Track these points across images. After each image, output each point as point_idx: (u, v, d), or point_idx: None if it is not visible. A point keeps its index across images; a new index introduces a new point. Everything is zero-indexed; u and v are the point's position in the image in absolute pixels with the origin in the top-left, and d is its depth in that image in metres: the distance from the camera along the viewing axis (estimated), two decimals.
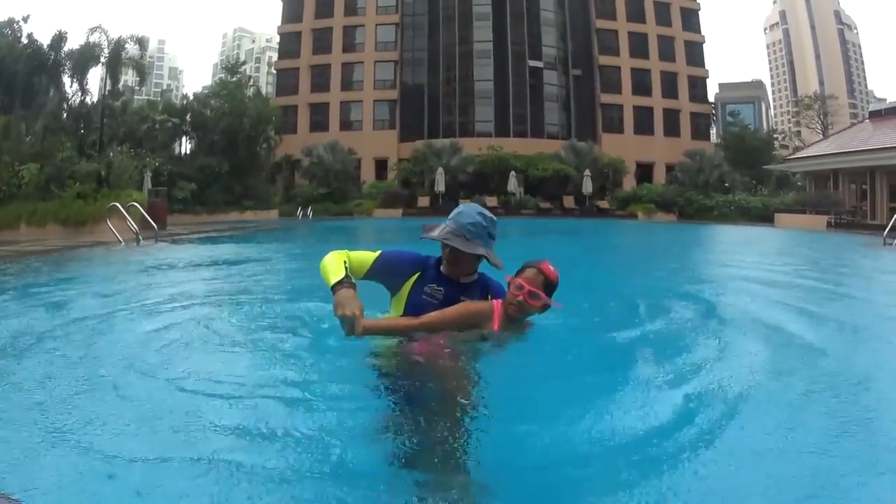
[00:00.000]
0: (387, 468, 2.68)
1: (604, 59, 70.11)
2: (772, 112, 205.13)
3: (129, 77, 47.99)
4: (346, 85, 70.86)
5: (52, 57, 39.13)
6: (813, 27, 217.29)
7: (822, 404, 3.69)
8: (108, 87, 40.95)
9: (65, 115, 39.43)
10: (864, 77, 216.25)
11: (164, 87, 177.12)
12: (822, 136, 74.67)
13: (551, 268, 4.07)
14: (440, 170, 51.78)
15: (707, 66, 74.58)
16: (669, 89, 70.69)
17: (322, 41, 71.69)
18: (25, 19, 40.44)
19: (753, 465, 2.82)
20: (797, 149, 68.59)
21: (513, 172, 53.27)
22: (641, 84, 70.09)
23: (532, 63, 67.70)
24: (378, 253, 4.24)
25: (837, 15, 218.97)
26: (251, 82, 73.97)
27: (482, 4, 68.15)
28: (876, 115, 50.19)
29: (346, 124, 69.25)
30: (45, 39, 39.74)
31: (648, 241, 28.27)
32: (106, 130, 40.66)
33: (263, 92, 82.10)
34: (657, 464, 2.76)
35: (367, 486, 2.54)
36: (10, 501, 2.23)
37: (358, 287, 3.90)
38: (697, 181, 53.29)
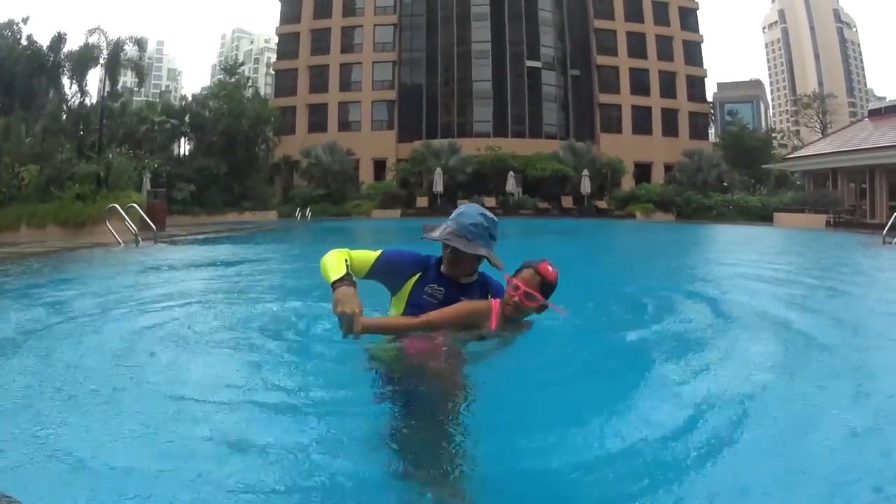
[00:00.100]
0: (383, 471, 2.67)
1: (602, 59, 70.18)
2: (770, 111, 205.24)
3: (127, 78, 47.92)
4: (345, 86, 70.86)
5: (52, 58, 39.04)
6: (812, 26, 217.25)
7: (829, 406, 3.67)
8: (107, 89, 40.88)
9: (64, 116, 39.30)
10: (864, 76, 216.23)
11: (163, 89, 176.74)
12: (821, 135, 74.61)
13: (550, 268, 4.06)
14: (438, 170, 51.79)
15: (705, 66, 74.63)
16: (668, 89, 70.74)
17: (320, 42, 71.71)
18: (25, 21, 40.38)
19: (756, 466, 2.83)
20: (796, 148, 68.58)
21: (511, 172, 53.32)
22: (640, 84, 70.14)
23: (530, 63, 67.71)
24: (379, 252, 4.23)
25: (836, 13, 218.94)
26: (250, 83, 74.05)
27: (480, 5, 68.14)
28: (875, 114, 50.14)
29: (344, 125, 69.27)
30: (44, 41, 39.72)
31: (647, 240, 28.26)
32: (105, 132, 40.54)
33: (262, 93, 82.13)
34: (659, 468, 2.75)
35: (363, 488, 2.54)
36: (10, 502, 2.24)
37: (357, 286, 3.86)
38: (696, 181, 53.30)
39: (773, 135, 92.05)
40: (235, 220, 42.36)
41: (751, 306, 7.44)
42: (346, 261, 3.97)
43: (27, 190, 25.90)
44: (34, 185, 25.97)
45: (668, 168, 61.89)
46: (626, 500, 2.52)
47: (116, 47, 39.18)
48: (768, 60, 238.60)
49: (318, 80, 71.10)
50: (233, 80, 67.04)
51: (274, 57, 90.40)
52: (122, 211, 19.91)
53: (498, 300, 4.11)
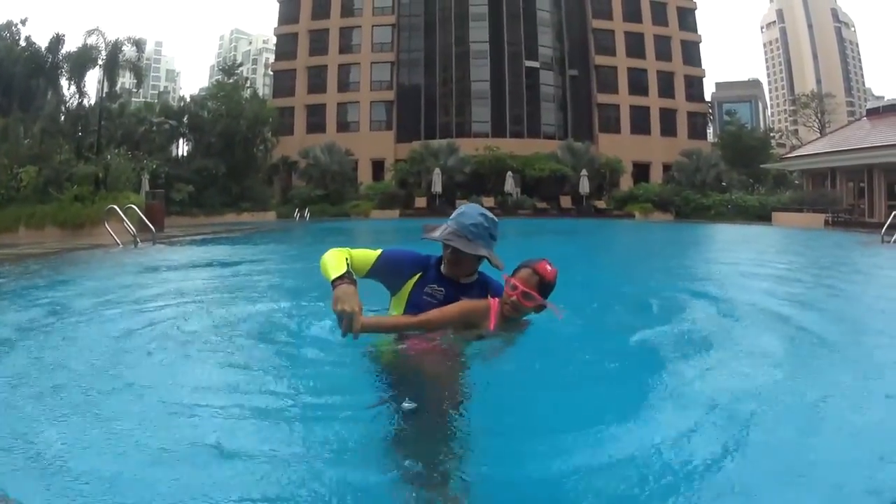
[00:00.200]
0: (381, 475, 2.64)
1: (600, 59, 70.28)
2: (769, 111, 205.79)
3: (126, 79, 47.85)
4: (343, 86, 70.91)
5: (50, 59, 39.14)
6: (810, 25, 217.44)
7: (830, 407, 3.64)
8: (105, 90, 40.95)
9: (62, 117, 39.38)
10: (862, 75, 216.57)
11: (162, 89, 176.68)
12: (819, 135, 74.69)
13: (549, 267, 4.06)
14: (437, 170, 51.68)
15: (703, 66, 74.72)
16: (666, 89, 70.81)
17: (318, 42, 71.74)
18: (23, 22, 40.45)
19: (758, 467, 2.82)
20: (794, 147, 68.57)
21: (509, 173, 53.25)
22: (638, 84, 70.21)
23: (528, 63, 67.71)
24: (380, 251, 4.22)
25: (835, 13, 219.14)
26: (248, 84, 73.90)
27: (478, 5, 68.13)
28: (873, 113, 50.17)
29: (342, 125, 69.33)
30: (43, 42, 39.80)
31: (646, 240, 28.23)
32: (103, 133, 40.53)
33: (260, 94, 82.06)
34: (662, 469, 2.72)
35: (361, 491, 2.52)
36: (9, 502, 2.24)
37: (357, 284, 3.83)
38: (694, 180, 53.24)
39: (772, 134, 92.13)
40: (234, 221, 42.28)
41: (751, 306, 7.44)
42: (347, 259, 3.94)
43: (25, 191, 25.90)
44: (32, 186, 25.97)
45: (666, 168, 61.84)
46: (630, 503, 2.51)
47: (115, 48, 39.26)
48: (766, 60, 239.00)
49: (317, 80, 71.13)
50: (231, 80, 67.00)
51: (272, 58, 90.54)
52: (120, 212, 19.86)
53: (496, 299, 4.11)
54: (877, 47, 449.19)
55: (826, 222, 38.95)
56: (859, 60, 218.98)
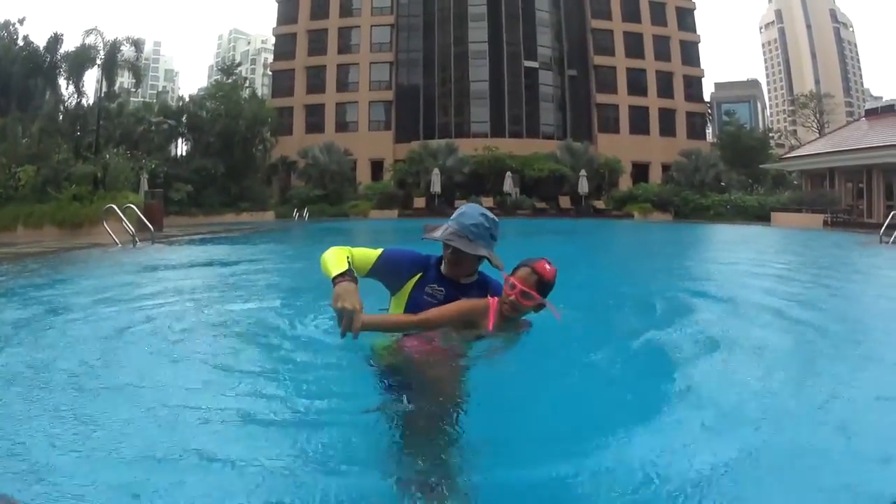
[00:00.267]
0: (378, 477, 2.64)
1: (599, 59, 70.26)
2: (767, 111, 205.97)
3: (124, 79, 47.73)
4: (342, 86, 70.85)
5: (49, 59, 39.02)
6: (809, 26, 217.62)
7: (836, 410, 3.64)
8: (103, 89, 40.85)
9: (61, 117, 39.26)
10: (860, 75, 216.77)
11: (160, 89, 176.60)
12: (818, 135, 74.73)
13: (547, 266, 4.04)
14: (436, 171, 51.60)
15: (702, 66, 74.67)
16: (665, 89, 70.81)
17: (317, 42, 71.70)
18: (21, 21, 40.33)
19: (760, 468, 2.81)
20: (793, 148, 68.57)
21: (509, 173, 53.19)
22: (637, 84, 70.22)
23: (527, 63, 67.69)
24: (380, 251, 4.21)
25: (833, 13, 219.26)
26: (247, 84, 73.84)
27: (477, 5, 68.10)
28: (872, 114, 50.22)
29: (341, 125, 69.28)
30: (41, 41, 39.72)
31: (645, 240, 28.26)
32: (102, 132, 40.53)
33: (259, 93, 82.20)
34: (663, 471, 2.71)
35: (358, 493, 2.51)
36: (10, 502, 2.23)
37: (358, 283, 3.79)
38: (693, 181, 53.20)
39: (771, 134, 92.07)
40: (233, 221, 42.27)
41: (751, 307, 7.45)
42: (348, 258, 3.92)
43: (24, 190, 25.94)
44: (31, 185, 26.00)
45: (665, 168, 61.77)
46: None
47: (113, 48, 39.17)
48: (765, 60, 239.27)
49: (315, 80, 71.11)
50: (230, 80, 66.88)
51: (271, 58, 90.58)
52: (119, 212, 19.87)
53: (495, 299, 4.09)
54: (875, 48, 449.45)
55: (825, 222, 38.99)
56: (858, 61, 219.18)
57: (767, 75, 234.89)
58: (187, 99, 60.62)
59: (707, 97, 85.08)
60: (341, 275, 3.72)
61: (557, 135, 66.34)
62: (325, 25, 71.66)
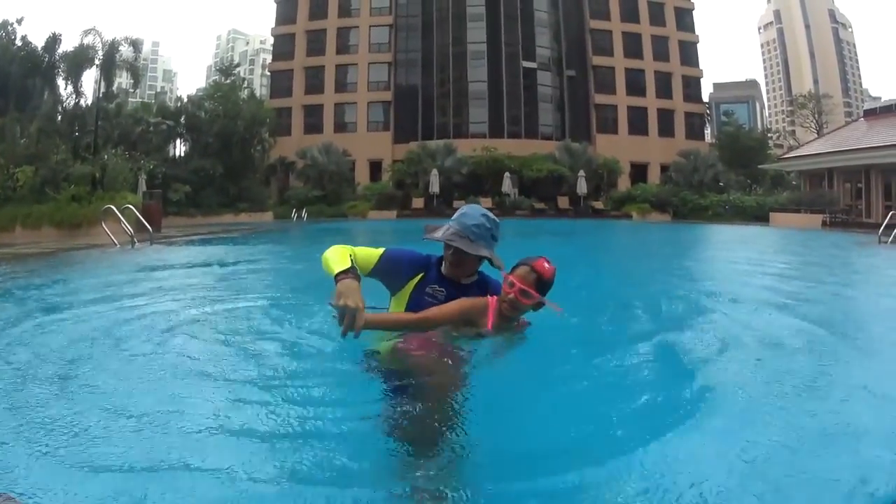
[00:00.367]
0: (376, 479, 2.62)
1: (598, 60, 70.28)
2: (766, 111, 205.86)
3: (123, 79, 47.80)
4: (341, 87, 70.85)
5: (47, 59, 39.03)
6: (807, 26, 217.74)
7: (833, 411, 3.61)
8: (102, 90, 40.90)
9: (59, 117, 39.32)
10: (859, 76, 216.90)
11: (159, 90, 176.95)
12: (816, 136, 74.75)
13: (546, 265, 4.03)
14: (434, 171, 51.66)
15: (701, 66, 74.69)
16: (663, 89, 70.84)
17: (316, 43, 71.68)
18: (20, 21, 40.32)
19: (762, 470, 2.80)
20: (792, 148, 68.60)
21: (507, 173, 53.29)
22: (635, 84, 70.24)
23: (526, 64, 67.71)
24: (382, 251, 4.19)
25: (832, 14, 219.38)
26: (245, 84, 73.87)
27: (476, 5, 68.11)
28: (871, 114, 50.28)
29: (340, 126, 69.27)
30: (39, 41, 39.73)
31: (645, 241, 28.27)
32: (100, 133, 40.64)
33: (257, 94, 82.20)
34: (665, 474, 2.70)
35: (355, 493, 2.49)
36: (10, 501, 2.22)
37: (361, 281, 3.75)
38: (692, 181, 53.29)
39: (769, 135, 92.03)
40: (231, 222, 42.31)
41: (752, 308, 7.44)
42: (351, 256, 3.90)
43: (22, 191, 25.99)
44: (29, 185, 26.04)
45: (664, 168, 61.81)
46: None
47: (111, 48, 39.24)
48: (764, 61, 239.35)
49: (314, 81, 71.11)
50: (228, 81, 66.87)
51: (269, 58, 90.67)
52: (117, 212, 19.87)
53: (495, 297, 4.08)
54: (874, 48, 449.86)
55: (823, 223, 39.04)
56: (856, 61, 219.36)
57: (766, 76, 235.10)
58: (185, 99, 60.71)
59: (706, 97, 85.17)
60: (344, 272, 3.69)
61: (556, 135, 66.40)
62: (323, 26, 71.67)
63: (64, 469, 2.62)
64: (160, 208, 29.17)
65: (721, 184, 54.21)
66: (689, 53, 73.38)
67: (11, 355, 4.61)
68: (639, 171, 65.26)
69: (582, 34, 71.16)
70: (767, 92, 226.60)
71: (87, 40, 38.97)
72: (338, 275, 3.67)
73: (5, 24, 39.65)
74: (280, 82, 73.20)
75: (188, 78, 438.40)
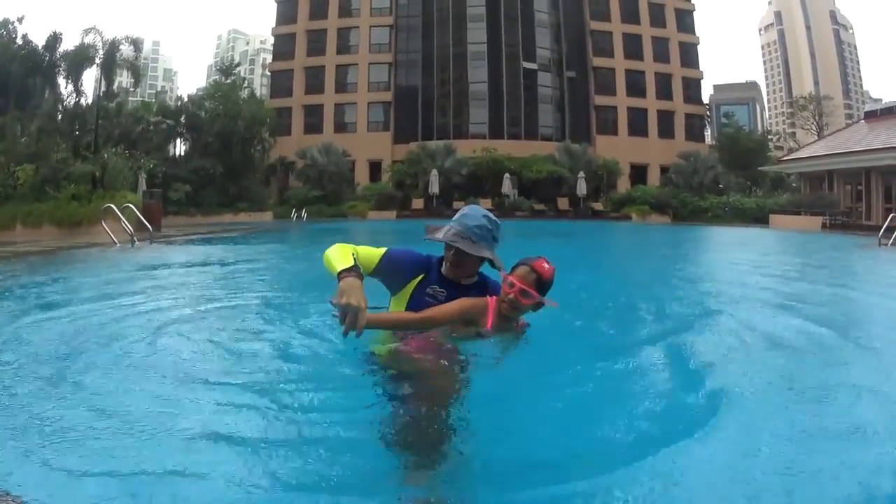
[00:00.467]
0: (375, 480, 2.61)
1: (598, 61, 70.33)
2: (766, 113, 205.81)
3: (123, 78, 47.80)
4: (341, 87, 70.89)
5: (48, 58, 39.00)
6: (808, 28, 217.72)
7: (834, 413, 3.60)
8: (102, 89, 40.88)
9: (60, 116, 39.32)
10: (860, 77, 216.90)
11: (159, 89, 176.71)
12: (816, 137, 74.76)
13: (546, 265, 4.04)
14: (434, 172, 51.70)
15: (701, 68, 74.75)
16: (664, 91, 70.86)
17: (316, 43, 71.70)
18: (20, 20, 40.32)
19: (763, 473, 2.80)
20: (792, 150, 68.59)
21: (507, 174, 53.33)
22: (636, 85, 70.26)
23: (526, 65, 67.74)
24: (384, 250, 4.17)
25: (833, 15, 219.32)
26: (245, 84, 73.86)
27: (476, 6, 68.14)
28: (871, 116, 50.33)
29: (340, 126, 69.32)
30: (40, 40, 39.71)
31: (644, 242, 28.24)
32: (101, 132, 40.65)
33: (258, 94, 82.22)
34: (664, 476, 2.68)
35: (349, 497, 2.50)
36: (10, 499, 2.23)
37: (364, 280, 3.73)
38: (692, 183, 53.33)
39: (769, 137, 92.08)
40: (231, 221, 42.34)
41: (753, 310, 7.45)
42: (353, 254, 3.89)
43: (23, 189, 26.04)
44: (30, 184, 26.09)
45: (663, 170, 61.86)
46: None
47: (112, 47, 39.20)
48: (764, 62, 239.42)
49: (314, 81, 71.12)
50: (229, 80, 66.85)
51: (270, 58, 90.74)
52: (117, 211, 19.89)
53: (494, 297, 4.09)
54: (875, 50, 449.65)
55: (823, 225, 39.02)
56: (857, 63, 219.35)
57: (766, 77, 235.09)
58: (186, 99, 60.80)
59: (706, 99, 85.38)
60: (347, 270, 3.66)
61: (556, 136, 66.48)
62: (324, 26, 71.70)
63: (55, 469, 2.62)
64: (160, 207, 29.15)
65: (721, 186, 54.32)
66: (689, 55, 73.40)
67: (6, 353, 4.62)
68: (638, 173, 65.30)
69: (582, 35, 71.19)
70: (768, 94, 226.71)
71: (88, 39, 38.97)
72: (341, 272, 3.65)
73: (6, 22, 39.66)
74: (280, 82, 73.23)
75: (188, 77, 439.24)
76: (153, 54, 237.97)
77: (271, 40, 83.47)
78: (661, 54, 71.49)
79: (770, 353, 5.10)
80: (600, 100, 69.64)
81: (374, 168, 65.51)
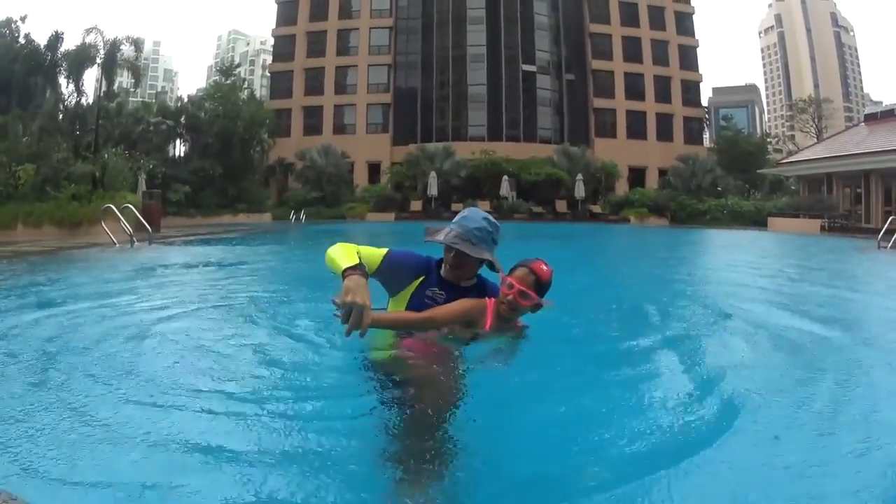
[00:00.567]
0: (372, 488, 2.55)
1: (597, 64, 70.29)
2: (766, 116, 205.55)
3: (124, 78, 47.65)
4: (340, 88, 70.88)
5: (49, 57, 38.91)
6: (808, 30, 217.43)
7: (834, 416, 3.59)
8: (103, 89, 40.80)
9: (61, 116, 39.22)
10: (860, 80, 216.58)
11: (159, 89, 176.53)
12: (816, 140, 74.70)
13: (544, 267, 4.07)
14: (433, 174, 51.68)
15: (701, 70, 74.65)
16: (663, 93, 70.82)
17: (316, 44, 71.70)
18: (23, 19, 40.27)
19: (763, 475, 2.82)
20: (791, 153, 68.55)
21: (505, 177, 53.31)
22: (634, 88, 70.23)
23: (525, 67, 67.80)
24: (386, 251, 4.15)
25: (833, 17, 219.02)
26: (245, 85, 73.83)
27: (476, 8, 68.22)
28: (871, 119, 50.32)
29: (339, 128, 69.33)
30: (42, 40, 39.62)
31: (643, 244, 28.18)
32: (101, 132, 40.51)
33: (257, 95, 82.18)
34: (665, 479, 2.64)
35: (349, 487, 2.52)
36: (11, 499, 2.26)
37: (368, 279, 3.71)
38: (690, 185, 53.32)
39: (769, 139, 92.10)
40: (230, 222, 42.31)
41: (751, 311, 7.42)
42: (357, 254, 3.87)
43: (24, 189, 26.00)
44: (30, 184, 26.06)
45: (662, 172, 61.75)
46: None
47: (113, 47, 39.11)
48: (764, 65, 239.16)
49: (314, 82, 71.11)
50: (228, 81, 66.91)
51: (269, 59, 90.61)
52: (117, 212, 19.87)
53: (493, 299, 4.11)
54: (876, 52, 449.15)
55: (822, 228, 39.00)
56: (858, 65, 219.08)
57: (766, 80, 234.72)
58: (186, 99, 60.67)
59: (705, 102, 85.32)
60: (352, 268, 3.64)
61: (554, 139, 66.45)
62: (323, 27, 71.72)
63: (43, 475, 2.60)
64: (160, 208, 29.14)
65: (719, 188, 54.29)
66: (688, 58, 73.34)
67: (14, 356, 4.60)
68: (637, 176, 65.21)
69: (581, 38, 71.19)
70: (767, 96, 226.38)
71: (89, 39, 38.83)
72: (346, 270, 3.63)
73: (9, 21, 39.64)
74: (280, 83, 73.23)
75: (189, 78, 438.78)
76: (154, 55, 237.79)
77: (271, 41, 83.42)
78: (661, 57, 71.44)
79: (774, 355, 5.13)
80: (599, 102, 69.63)
81: (373, 170, 65.52)
